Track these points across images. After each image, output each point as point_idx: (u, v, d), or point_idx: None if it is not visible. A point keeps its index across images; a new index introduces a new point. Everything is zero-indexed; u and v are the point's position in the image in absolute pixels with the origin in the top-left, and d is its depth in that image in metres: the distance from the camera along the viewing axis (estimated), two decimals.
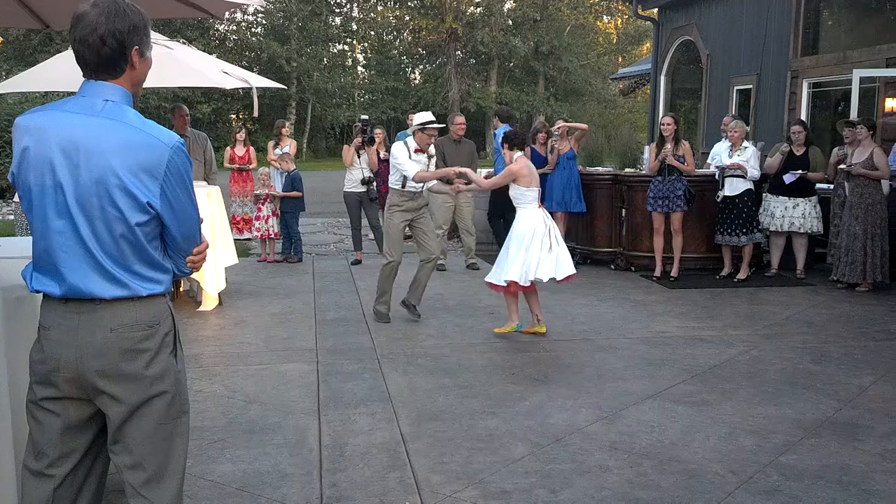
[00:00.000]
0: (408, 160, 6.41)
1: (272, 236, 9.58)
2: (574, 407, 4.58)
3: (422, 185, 6.51)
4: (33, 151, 2.11)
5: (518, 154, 6.10)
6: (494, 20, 36.51)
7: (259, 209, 9.56)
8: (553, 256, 5.92)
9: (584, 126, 9.54)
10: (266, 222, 9.51)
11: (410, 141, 6.54)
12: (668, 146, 8.12)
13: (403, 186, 6.46)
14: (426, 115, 6.61)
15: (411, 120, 11.40)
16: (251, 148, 11.17)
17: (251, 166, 10.78)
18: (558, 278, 5.94)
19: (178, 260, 2.28)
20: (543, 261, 5.88)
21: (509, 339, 6.08)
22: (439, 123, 6.63)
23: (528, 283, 5.90)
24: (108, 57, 2.12)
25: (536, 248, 5.88)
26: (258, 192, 9.61)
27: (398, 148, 6.51)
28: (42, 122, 2.13)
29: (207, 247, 2.38)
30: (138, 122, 2.13)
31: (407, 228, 6.60)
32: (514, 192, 6.05)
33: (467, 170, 6.54)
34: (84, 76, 2.17)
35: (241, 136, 11.08)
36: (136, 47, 2.16)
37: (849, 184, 7.81)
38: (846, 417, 4.44)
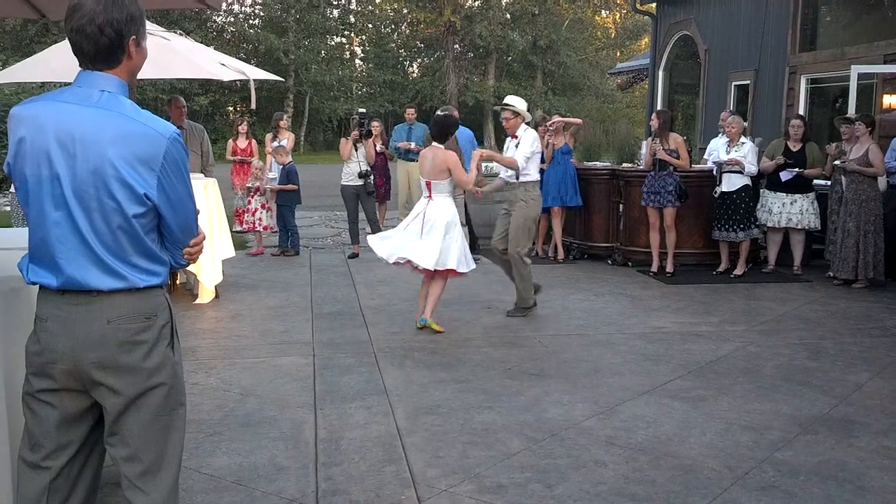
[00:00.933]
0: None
1: (259, 229, 9.54)
2: (570, 402, 4.59)
3: (514, 176, 6.50)
4: (29, 142, 2.09)
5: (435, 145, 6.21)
6: (492, 14, 36.48)
7: (249, 201, 9.54)
8: (422, 245, 5.93)
9: (579, 121, 9.60)
10: (253, 215, 9.48)
11: None
12: (657, 141, 8.13)
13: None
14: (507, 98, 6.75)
15: (409, 113, 11.50)
16: (253, 140, 11.13)
17: (253, 159, 10.75)
18: (421, 266, 5.96)
19: (176, 251, 2.27)
20: (412, 244, 5.95)
21: (505, 333, 6.08)
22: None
23: (393, 262, 5.99)
24: (106, 47, 2.11)
25: (410, 232, 6.01)
26: (249, 184, 9.59)
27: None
28: (38, 113, 2.11)
29: (204, 238, 2.38)
30: (135, 112, 2.12)
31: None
32: None
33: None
34: (80, 66, 2.15)
35: (244, 128, 11.02)
36: (133, 37, 2.14)
37: (845, 179, 7.81)
38: (842, 414, 4.45)
